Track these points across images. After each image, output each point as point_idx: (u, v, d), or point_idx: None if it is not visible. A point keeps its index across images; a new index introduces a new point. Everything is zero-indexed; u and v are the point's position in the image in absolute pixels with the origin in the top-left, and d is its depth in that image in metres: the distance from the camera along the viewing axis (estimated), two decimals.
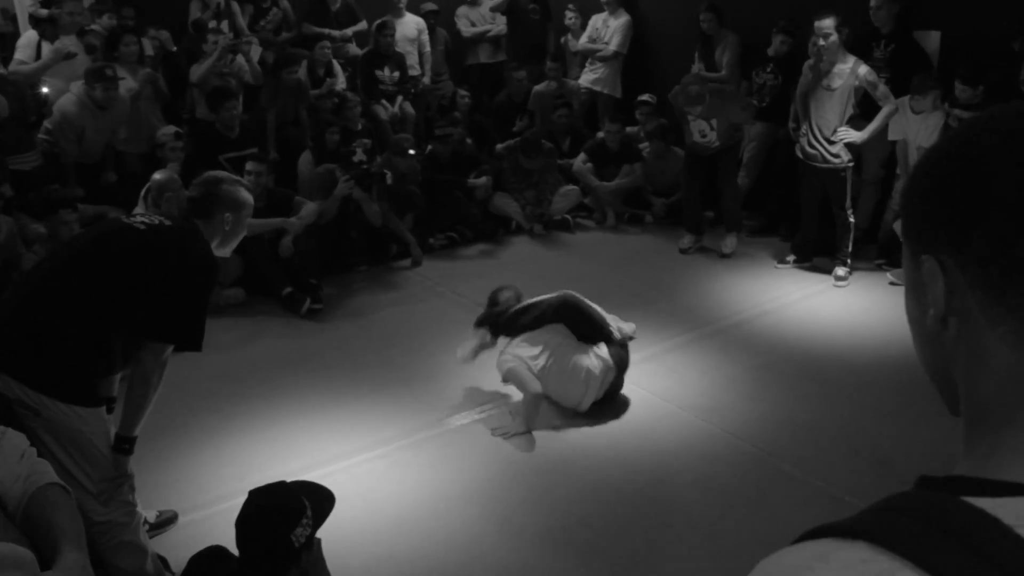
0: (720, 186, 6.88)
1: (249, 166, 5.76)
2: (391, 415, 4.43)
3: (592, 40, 8.60)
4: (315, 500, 2.50)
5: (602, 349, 4.35)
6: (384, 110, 7.95)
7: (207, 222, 3.03)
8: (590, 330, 4.36)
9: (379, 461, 4.04)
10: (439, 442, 4.19)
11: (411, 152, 6.84)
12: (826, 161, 6.07)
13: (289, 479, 2.66)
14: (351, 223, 6.44)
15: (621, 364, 4.40)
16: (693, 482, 3.89)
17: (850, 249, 6.27)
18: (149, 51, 7.06)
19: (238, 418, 4.38)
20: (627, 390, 4.59)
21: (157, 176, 5.24)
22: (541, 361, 4.29)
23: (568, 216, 7.63)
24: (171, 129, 6.49)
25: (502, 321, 4.44)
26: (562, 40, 9.14)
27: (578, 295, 4.46)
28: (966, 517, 0.60)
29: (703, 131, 6.60)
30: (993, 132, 0.69)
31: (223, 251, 3.12)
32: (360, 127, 7.10)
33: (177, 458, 4.00)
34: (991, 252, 0.66)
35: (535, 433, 4.26)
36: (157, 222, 2.96)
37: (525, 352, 4.31)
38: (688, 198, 7.03)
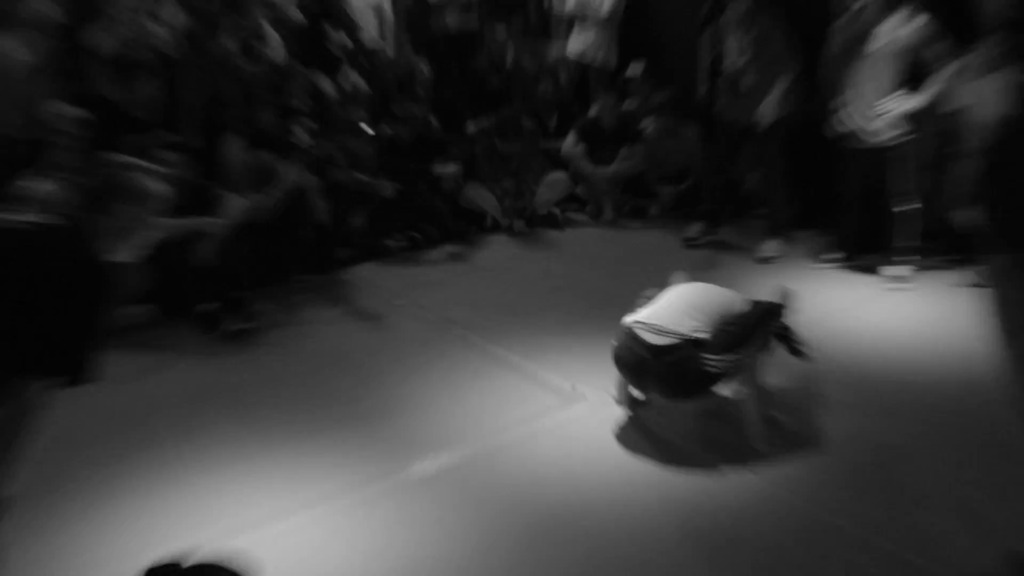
0: (762, 170, 6.87)
1: (165, 155, 5.61)
2: (337, 463, 4.29)
3: (582, 2, 8.71)
4: None
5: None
6: (330, 83, 7.91)
7: (99, 217, 3.00)
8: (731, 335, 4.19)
9: (321, 523, 3.86)
10: (399, 497, 4.03)
11: (366, 130, 6.88)
12: (866, 140, 6.03)
13: (200, 550, 2.62)
14: (303, 221, 6.38)
15: (664, 375, 4.21)
16: (719, 542, 3.68)
17: (909, 242, 6.17)
18: (48, 14, 6.80)
19: (141, 471, 4.23)
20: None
21: (38, 187, 5.03)
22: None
23: (556, 210, 7.64)
24: (69, 109, 6.29)
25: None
26: (546, 2, 9.28)
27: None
28: None
29: (743, 48, 6.49)
30: None
31: (122, 254, 3.06)
32: (301, 105, 7.10)
33: (59, 527, 3.85)
34: None
35: (521, 485, 4.11)
36: (28, 220, 2.91)
37: None
38: (707, 174, 7.04)
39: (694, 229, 7.06)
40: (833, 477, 4.11)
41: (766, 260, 6.71)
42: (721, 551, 3.67)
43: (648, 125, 7.91)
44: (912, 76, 5.94)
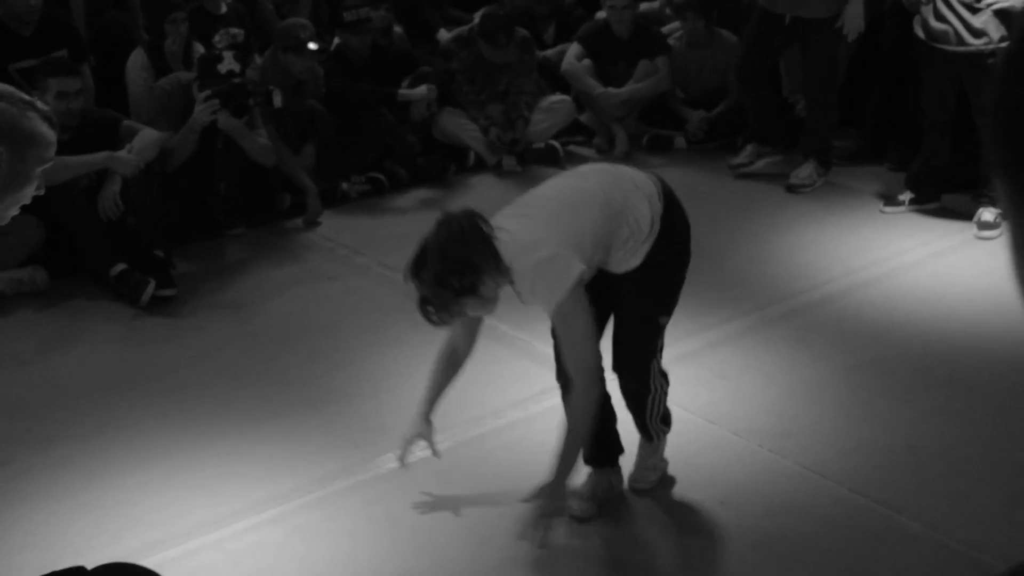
0: (805, 80, 7.00)
1: (53, 83, 5.69)
2: (288, 458, 4.37)
3: None
4: None
5: None
6: None
7: None
8: None
9: (270, 529, 3.98)
10: (364, 496, 4.14)
11: (311, 47, 6.80)
12: (963, 42, 6.02)
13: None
14: (218, 169, 6.41)
15: None
16: (761, 547, 3.85)
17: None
18: None
19: (43, 473, 4.27)
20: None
21: None
22: None
23: (556, 143, 7.66)
24: None
25: None
26: None
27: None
28: None
29: None
30: None
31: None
32: (225, 10, 7.10)
33: None
34: None
35: (520, 474, 4.13)
36: None
37: None
38: (750, 81, 7.07)
39: (745, 153, 7.20)
40: (886, 460, 4.24)
41: (795, 188, 6.91)
42: (736, 531, 3.80)
43: (673, 32, 7.89)
44: None
